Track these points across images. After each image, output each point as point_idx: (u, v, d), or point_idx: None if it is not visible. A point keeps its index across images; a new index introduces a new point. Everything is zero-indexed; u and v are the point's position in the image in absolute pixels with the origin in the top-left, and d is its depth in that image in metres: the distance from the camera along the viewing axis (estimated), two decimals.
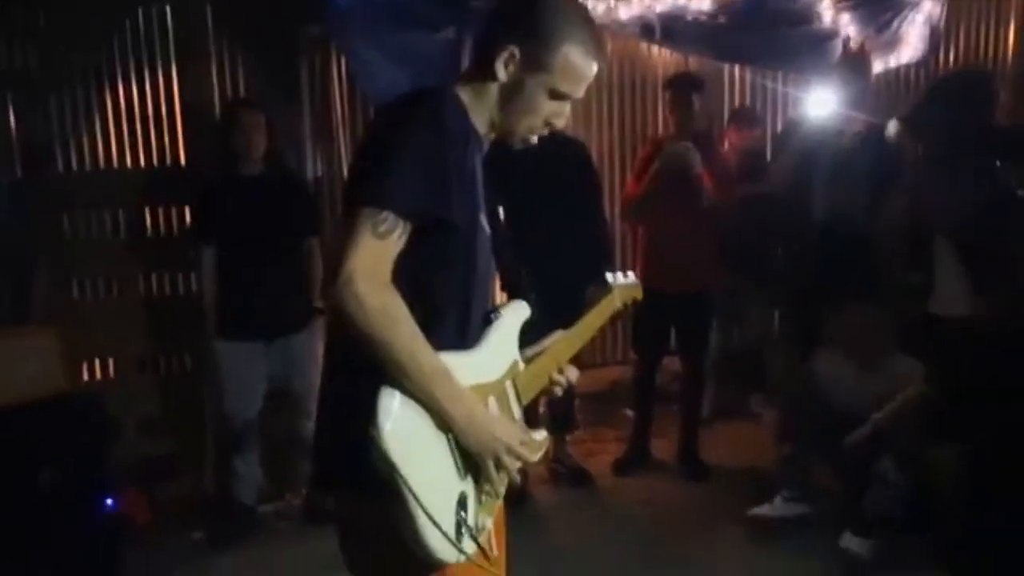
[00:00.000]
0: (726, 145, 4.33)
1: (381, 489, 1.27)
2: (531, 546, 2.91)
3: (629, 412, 4.15)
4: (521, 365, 1.58)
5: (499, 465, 1.40)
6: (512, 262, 1.76)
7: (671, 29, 4.22)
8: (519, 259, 1.86)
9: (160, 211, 3.97)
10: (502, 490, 1.48)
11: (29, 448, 2.97)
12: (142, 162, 3.95)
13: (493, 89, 1.48)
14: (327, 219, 3.84)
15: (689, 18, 4.25)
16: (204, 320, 3.41)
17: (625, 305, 2.00)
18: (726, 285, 4.09)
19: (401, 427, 1.28)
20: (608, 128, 4.83)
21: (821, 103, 3.72)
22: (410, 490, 1.26)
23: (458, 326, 1.46)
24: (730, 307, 4.34)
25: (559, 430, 3.85)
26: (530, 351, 1.63)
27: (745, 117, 4.51)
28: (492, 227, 1.56)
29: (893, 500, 3.10)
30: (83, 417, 3.20)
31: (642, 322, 3.89)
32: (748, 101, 4.91)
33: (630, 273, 2.04)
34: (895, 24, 4.38)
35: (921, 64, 4.61)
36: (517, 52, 1.44)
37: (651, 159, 3.74)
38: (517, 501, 3.28)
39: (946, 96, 3.24)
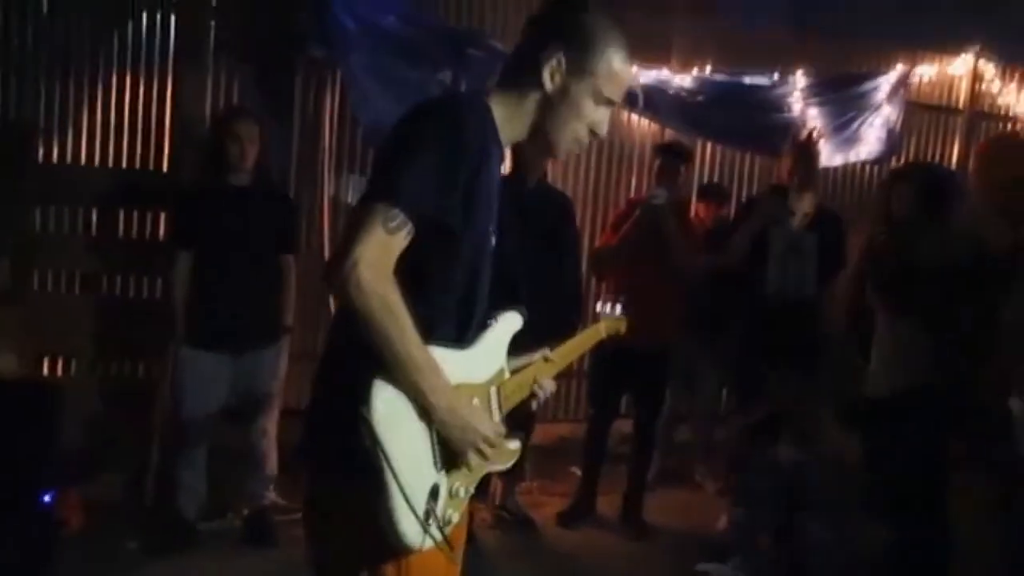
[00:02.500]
0: (692, 217, 4.57)
1: (363, 467, 1.35)
2: None
3: (576, 470, 4.27)
4: (507, 373, 1.66)
5: (474, 457, 1.49)
6: (512, 274, 1.89)
7: (653, 100, 4.54)
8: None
9: (135, 214, 4.08)
10: (471, 487, 1.56)
11: None
12: (124, 163, 4.08)
13: (533, 99, 1.54)
14: (303, 239, 4.00)
15: (671, 92, 4.61)
16: (172, 324, 3.45)
17: (609, 336, 2.12)
18: (684, 348, 4.25)
19: (390, 411, 1.37)
20: (585, 186, 5.08)
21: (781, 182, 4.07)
22: (391, 470, 1.35)
23: (458, 326, 1.52)
24: (684, 372, 4.47)
25: (508, 478, 3.95)
26: (514, 363, 1.70)
27: (714, 192, 4.77)
28: (497, 239, 1.63)
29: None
30: (30, 410, 3.21)
31: (599, 379, 4.03)
32: (717, 177, 5.22)
33: (618, 307, 2.19)
34: (855, 124, 4.88)
35: (876, 163, 5.10)
36: (564, 60, 1.51)
37: (628, 216, 3.95)
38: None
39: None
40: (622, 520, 4.04)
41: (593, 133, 1.60)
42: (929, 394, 3.20)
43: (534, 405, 1.78)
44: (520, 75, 1.55)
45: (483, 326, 1.59)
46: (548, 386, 1.78)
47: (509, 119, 1.55)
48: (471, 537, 3.43)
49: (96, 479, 3.75)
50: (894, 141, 4.97)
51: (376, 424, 1.35)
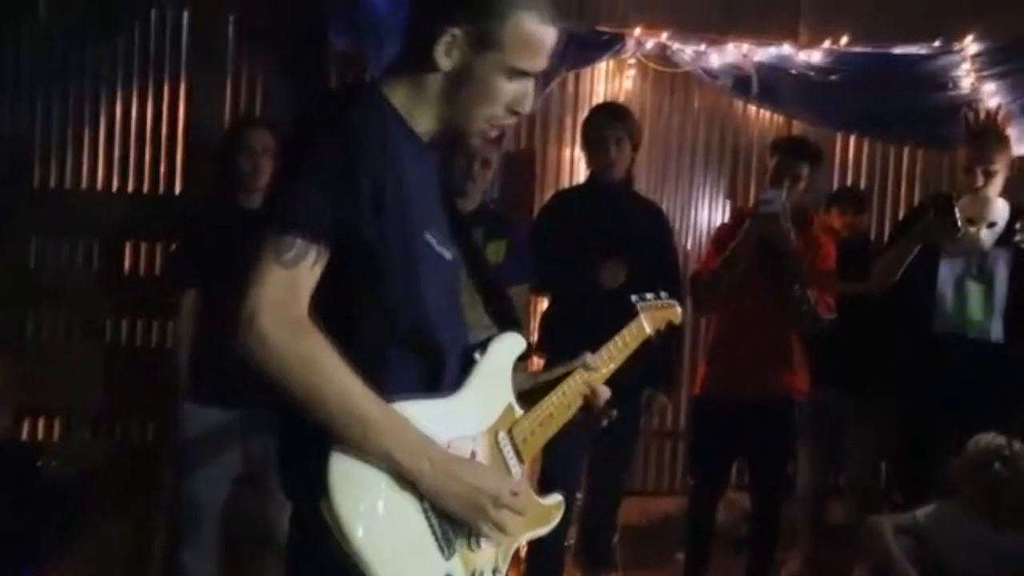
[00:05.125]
0: (830, 228, 4.35)
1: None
2: None
3: (679, 556, 4.06)
4: (518, 411, 1.61)
5: (495, 523, 1.43)
6: (496, 287, 1.80)
7: (771, 84, 4.38)
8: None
9: (143, 245, 4.18)
10: (503, 562, 1.53)
11: None
12: (131, 186, 4.21)
13: (435, 81, 1.50)
14: None
15: (793, 72, 4.44)
16: (174, 377, 3.44)
17: (658, 331, 2.04)
18: (822, 404, 4.05)
19: (358, 499, 1.31)
20: (688, 195, 5.03)
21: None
22: None
23: (422, 368, 1.48)
24: (826, 435, 4.31)
25: (592, 568, 3.84)
26: (540, 378, 1.71)
27: (848, 199, 4.59)
28: (462, 248, 1.60)
29: None
30: (12, 474, 3.30)
31: (702, 440, 3.88)
32: (864, 182, 5.07)
33: (663, 292, 2.10)
34: None
35: None
36: (460, 33, 1.46)
37: (733, 232, 3.74)
38: None
39: None
40: None
41: (514, 111, 1.55)
42: None
43: (604, 422, 1.78)
44: (414, 56, 1.51)
45: (467, 361, 1.55)
46: (603, 393, 1.76)
47: (416, 106, 1.52)
48: None
49: (88, 558, 3.74)
50: None
51: (343, 520, 1.29)
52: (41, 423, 4.11)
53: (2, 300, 3.97)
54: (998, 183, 3.55)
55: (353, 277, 1.41)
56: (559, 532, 3.87)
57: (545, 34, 1.51)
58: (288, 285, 1.32)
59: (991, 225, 3.59)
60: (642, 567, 4.31)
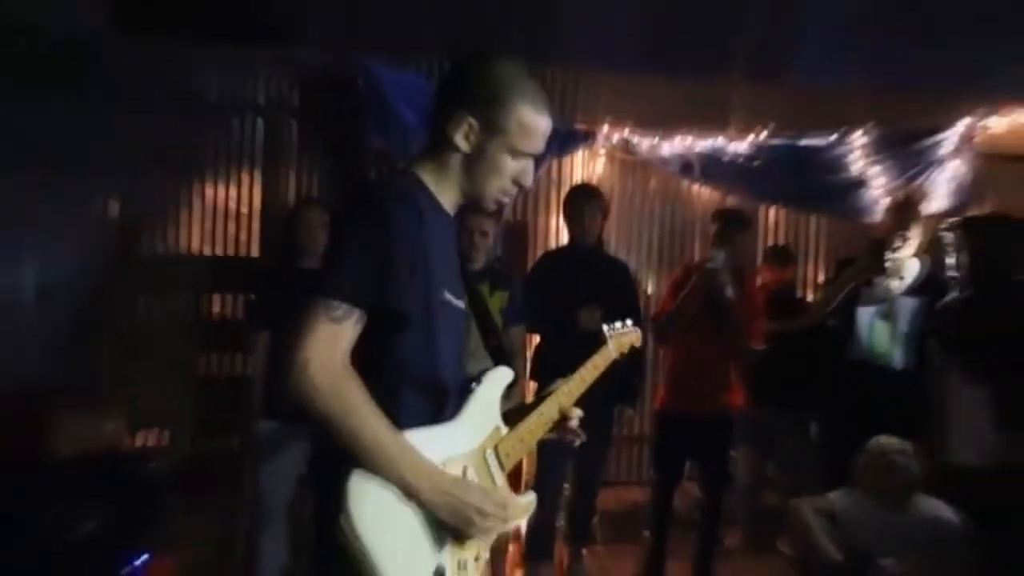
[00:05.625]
0: (759, 281, 4.36)
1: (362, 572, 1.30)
2: None
3: (646, 534, 4.01)
4: (503, 430, 1.59)
5: (475, 529, 1.41)
6: (494, 329, 1.80)
7: (710, 168, 4.41)
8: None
9: (228, 298, 4.24)
10: (483, 551, 1.49)
11: (74, 500, 3.04)
12: (219, 252, 4.28)
13: (456, 160, 1.50)
14: None
15: (726, 158, 4.46)
16: (251, 400, 3.46)
17: (622, 354, 1.99)
18: (756, 416, 4.06)
19: (371, 511, 1.31)
20: (648, 254, 5.02)
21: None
22: (382, 572, 1.30)
23: (431, 401, 1.47)
24: (758, 439, 4.29)
25: (577, 543, 3.82)
26: (516, 405, 1.66)
27: (779, 256, 4.57)
28: (470, 298, 1.59)
29: None
30: (125, 479, 3.27)
31: (661, 444, 3.85)
32: (781, 240, 5.01)
33: (628, 321, 2.05)
34: (920, 180, 4.52)
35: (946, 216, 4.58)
36: (474, 121, 1.47)
37: (683, 282, 3.74)
38: None
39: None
40: None
41: (519, 184, 1.55)
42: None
43: (569, 438, 1.74)
44: (439, 141, 1.51)
45: (465, 392, 1.54)
46: (574, 414, 1.73)
47: (442, 183, 1.52)
48: None
49: (187, 543, 3.72)
50: (966, 195, 4.56)
51: (358, 530, 1.29)
52: (151, 436, 4.14)
53: (116, 344, 4.00)
54: (912, 246, 3.51)
55: (379, 329, 1.39)
56: (551, 516, 3.86)
57: (541, 122, 1.52)
58: (334, 339, 1.32)
59: (902, 279, 3.56)
60: (616, 542, 4.28)
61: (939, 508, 3.19)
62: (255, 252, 4.31)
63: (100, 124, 3.98)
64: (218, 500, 3.91)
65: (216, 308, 4.25)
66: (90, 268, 3.96)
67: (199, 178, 4.25)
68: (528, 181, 1.57)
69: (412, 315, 1.42)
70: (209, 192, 4.27)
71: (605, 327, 2.00)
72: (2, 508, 2.96)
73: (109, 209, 4.11)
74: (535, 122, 1.51)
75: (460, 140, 1.48)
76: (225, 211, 4.28)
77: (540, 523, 3.60)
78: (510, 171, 1.52)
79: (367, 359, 1.37)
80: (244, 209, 4.29)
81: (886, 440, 3.23)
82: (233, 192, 4.29)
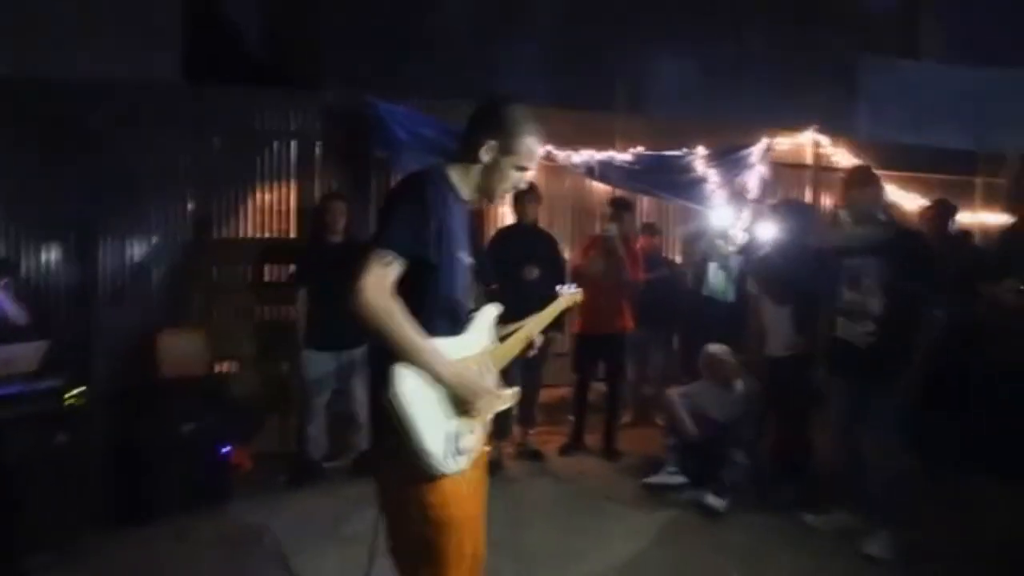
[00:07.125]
0: (638, 245, 4.41)
1: (398, 429, 1.34)
2: (503, 499, 2.97)
3: (571, 417, 4.15)
4: (495, 345, 1.61)
5: (481, 403, 1.45)
6: (489, 281, 1.83)
7: (605, 171, 4.44)
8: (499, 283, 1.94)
9: (276, 267, 4.16)
10: (481, 428, 1.49)
11: (181, 408, 3.06)
12: (268, 234, 4.19)
13: (477, 169, 1.51)
14: None
15: (616, 164, 4.50)
16: (296, 336, 3.45)
17: (568, 306, 2.00)
18: (639, 334, 4.10)
19: (408, 390, 1.33)
20: (567, 229, 4.96)
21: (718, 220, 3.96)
22: (418, 430, 1.34)
23: (449, 321, 1.47)
24: (641, 350, 4.36)
25: (525, 424, 3.87)
26: (504, 332, 1.67)
27: (651, 228, 4.61)
28: (474, 258, 1.56)
29: (740, 474, 3.20)
30: (214, 393, 3.29)
31: (579, 354, 3.91)
32: (652, 218, 5.03)
33: (573, 285, 2.08)
34: (739, 179, 4.70)
35: (757, 202, 4.80)
36: (495, 143, 1.49)
37: (591, 248, 3.90)
38: (493, 470, 3.29)
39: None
40: (603, 450, 3.93)
41: (515, 188, 1.57)
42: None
43: (530, 354, 1.77)
44: (467, 152, 1.52)
45: (469, 318, 1.54)
46: (537, 340, 1.76)
47: (464, 181, 1.53)
48: (499, 466, 3.53)
49: (257, 439, 3.76)
50: (765, 188, 4.80)
51: (401, 401, 1.32)
52: (226, 365, 4.04)
53: (201, 301, 3.93)
54: (741, 222, 3.67)
55: (418, 275, 1.39)
56: (509, 407, 4.01)
57: (538, 147, 1.53)
58: (382, 276, 1.33)
59: (735, 243, 3.71)
60: (550, 424, 4.32)
61: (749, 383, 3.38)
62: (293, 234, 4.25)
63: (182, 149, 3.94)
64: (277, 406, 3.90)
65: (268, 274, 4.19)
66: (180, 248, 3.99)
67: (251, 185, 4.17)
68: (522, 186, 1.57)
69: (438, 264, 1.42)
70: (259, 194, 4.20)
71: (558, 287, 1.99)
72: (137, 412, 2.95)
73: (188, 209, 4.05)
74: (535, 148, 1.53)
75: (483, 155, 1.49)
76: (271, 207, 4.21)
77: (502, 412, 3.67)
78: (513, 179, 1.53)
79: (409, 291, 1.38)
80: (283, 206, 4.23)
81: (714, 347, 3.42)
82: (276, 194, 4.22)
